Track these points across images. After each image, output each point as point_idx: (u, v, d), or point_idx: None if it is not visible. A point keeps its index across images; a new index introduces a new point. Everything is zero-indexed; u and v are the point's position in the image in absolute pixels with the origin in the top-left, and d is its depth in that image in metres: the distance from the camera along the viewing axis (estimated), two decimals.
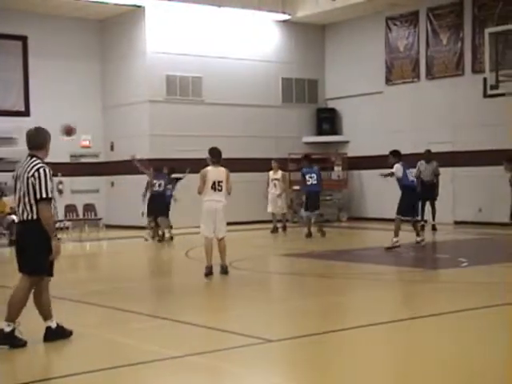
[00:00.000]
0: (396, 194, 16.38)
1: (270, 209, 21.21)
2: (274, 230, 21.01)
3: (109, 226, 22.81)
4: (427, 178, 20.31)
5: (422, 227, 20.19)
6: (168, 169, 19.87)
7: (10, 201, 20.42)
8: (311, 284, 12.22)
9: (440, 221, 20.91)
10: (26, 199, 7.68)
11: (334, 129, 26.59)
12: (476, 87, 20.76)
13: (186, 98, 24.01)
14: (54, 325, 7.87)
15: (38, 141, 7.94)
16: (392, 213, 16.39)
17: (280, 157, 24.20)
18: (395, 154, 16.36)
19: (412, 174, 16.69)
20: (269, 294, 11.82)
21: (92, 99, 24.75)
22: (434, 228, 20.52)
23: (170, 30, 23.62)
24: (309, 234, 19.44)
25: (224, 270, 12.50)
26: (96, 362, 7.28)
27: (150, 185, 19.54)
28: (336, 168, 25.58)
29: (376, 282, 12.12)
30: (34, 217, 7.67)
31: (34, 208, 7.66)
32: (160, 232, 19.37)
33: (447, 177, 21.79)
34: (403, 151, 21.00)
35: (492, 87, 19.03)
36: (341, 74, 26.38)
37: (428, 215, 20.57)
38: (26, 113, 23.47)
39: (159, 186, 19.34)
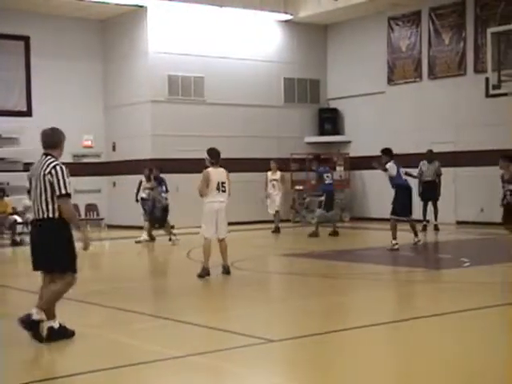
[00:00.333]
0: None
1: (270, 210, 21.21)
2: (276, 230, 20.95)
3: (110, 226, 22.81)
4: (429, 178, 20.32)
5: (425, 227, 20.26)
6: (149, 170, 19.70)
7: (12, 201, 20.47)
8: (313, 284, 12.21)
9: (442, 221, 20.90)
10: (43, 197, 7.72)
11: (336, 129, 26.58)
12: (478, 87, 20.76)
13: (187, 98, 24.00)
14: (56, 325, 7.88)
15: (53, 140, 8.06)
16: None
17: (282, 157, 24.21)
18: (387, 152, 16.21)
19: (403, 172, 16.48)
20: (270, 294, 11.82)
21: (94, 99, 24.75)
22: (436, 228, 20.51)
23: (172, 29, 23.61)
24: (315, 234, 19.36)
25: (226, 271, 12.50)
26: (98, 361, 7.28)
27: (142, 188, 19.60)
28: (338, 168, 25.56)
29: (378, 282, 12.11)
30: (51, 215, 7.71)
31: (51, 206, 7.70)
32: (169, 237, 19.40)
33: (449, 177, 21.77)
34: (405, 151, 21.12)
35: (494, 87, 19.04)
36: (343, 73, 26.37)
37: (430, 215, 20.58)
38: (28, 113, 23.49)
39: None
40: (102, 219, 22.60)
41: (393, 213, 15.95)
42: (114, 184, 24.63)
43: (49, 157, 7.90)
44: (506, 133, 21.06)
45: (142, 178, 19.69)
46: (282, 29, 25.92)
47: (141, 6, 23.06)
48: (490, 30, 19.45)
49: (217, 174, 12.35)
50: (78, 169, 23.91)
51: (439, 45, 23.38)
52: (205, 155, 12.46)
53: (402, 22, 24.46)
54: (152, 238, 19.40)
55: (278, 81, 25.99)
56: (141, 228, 19.87)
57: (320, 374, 6.66)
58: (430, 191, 20.37)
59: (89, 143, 24.51)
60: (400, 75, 24.61)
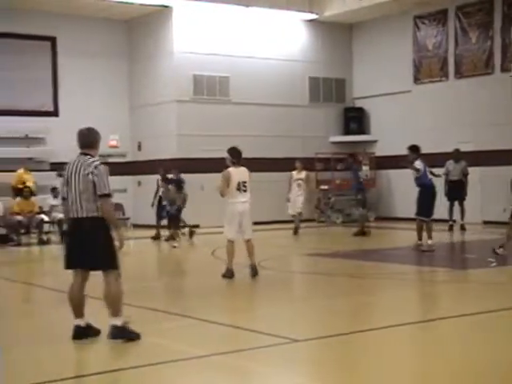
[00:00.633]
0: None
1: (290, 211, 20.67)
2: (296, 232, 20.42)
3: (136, 226, 22.90)
4: (455, 178, 20.19)
5: (451, 227, 20.13)
6: (163, 170, 20.03)
7: (38, 200, 20.60)
8: (338, 284, 12.16)
9: (469, 220, 20.75)
10: (85, 196, 7.75)
11: (362, 128, 26.48)
12: (505, 86, 20.61)
13: (213, 97, 24.03)
14: (83, 323, 7.92)
15: (90, 140, 8.11)
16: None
17: (307, 156, 24.15)
18: (414, 149, 15.72)
19: (428, 171, 16.09)
20: (295, 293, 11.80)
21: (120, 99, 24.86)
22: (462, 228, 20.36)
23: (198, 29, 23.65)
24: (360, 233, 19.28)
25: (254, 272, 12.25)
26: (124, 360, 7.32)
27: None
28: (364, 167, 25.44)
29: (404, 281, 12.05)
30: (95, 214, 7.75)
31: (93, 205, 7.74)
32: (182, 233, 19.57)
33: (475, 176, 21.58)
34: (431, 150, 20.95)
35: None
36: (368, 72, 26.27)
37: (457, 215, 20.44)
38: (54, 113, 23.64)
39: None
40: (127, 219, 22.69)
41: (421, 213, 15.51)
42: (140, 183, 24.71)
43: (88, 156, 7.93)
44: None
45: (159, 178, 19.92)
46: (307, 28, 25.87)
47: (166, 6, 23.13)
48: None
49: (238, 173, 12.16)
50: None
51: (466, 43, 23.21)
52: (225, 155, 12.32)
53: (428, 21, 24.31)
54: (158, 237, 19.53)
55: (303, 80, 25.95)
56: (165, 227, 19.92)
57: (344, 374, 6.63)
58: (457, 191, 20.23)
59: (114, 143, 24.60)
60: (426, 74, 24.47)
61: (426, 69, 24.45)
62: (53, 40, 23.63)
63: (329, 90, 26.57)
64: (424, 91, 24.42)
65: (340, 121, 26.72)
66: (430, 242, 15.50)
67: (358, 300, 10.49)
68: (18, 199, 19.82)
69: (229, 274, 12.21)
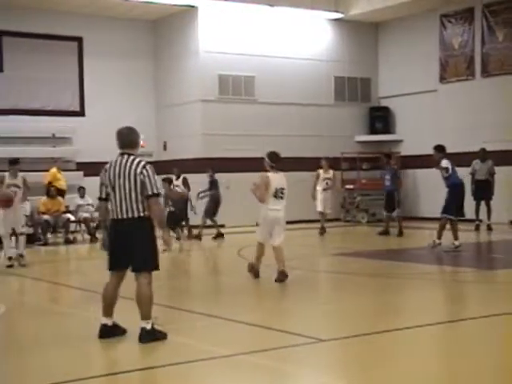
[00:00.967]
0: None
1: (320, 208, 20.36)
2: (323, 231, 20.24)
3: None
4: (482, 177, 20.07)
5: (477, 227, 20.01)
6: (177, 170, 20.08)
7: (65, 200, 20.73)
8: (363, 283, 12.13)
9: (495, 220, 20.60)
10: (133, 196, 7.74)
11: (387, 128, 26.39)
12: None
13: (238, 97, 24.06)
14: (110, 323, 7.97)
15: (130, 139, 8.13)
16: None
17: (332, 156, 24.08)
18: (440, 149, 15.51)
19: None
20: (320, 292, 11.79)
21: (145, 99, 24.96)
22: (489, 228, 20.22)
23: (223, 29, 23.70)
24: (385, 232, 19.26)
25: (281, 277, 11.70)
26: (149, 360, 7.36)
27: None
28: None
29: (429, 281, 12.00)
30: (142, 214, 7.75)
31: (141, 205, 7.75)
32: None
33: (502, 176, 21.40)
34: (457, 150, 20.82)
35: None
36: (394, 72, 26.16)
37: (483, 215, 20.31)
38: (81, 113, 23.80)
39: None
40: None
41: (447, 211, 15.25)
42: None
43: (132, 156, 7.92)
44: None
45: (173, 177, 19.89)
46: (333, 27, 25.81)
47: (192, 6, 23.19)
48: None
49: (277, 179, 11.75)
50: None
51: (492, 42, 23.05)
52: (265, 158, 11.83)
53: (454, 20, 24.17)
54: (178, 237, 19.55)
55: (329, 80, 25.90)
56: (194, 227, 19.93)
57: (369, 373, 6.62)
58: (483, 190, 20.10)
59: (141, 143, 24.64)
60: (452, 73, 24.32)
61: (452, 68, 24.31)
62: (79, 40, 23.79)
63: (354, 89, 26.51)
64: (450, 90, 24.27)
65: (365, 120, 26.64)
66: (456, 242, 15.28)
67: (384, 300, 10.46)
68: (45, 198, 19.96)
69: (253, 271, 12.11)
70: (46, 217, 19.50)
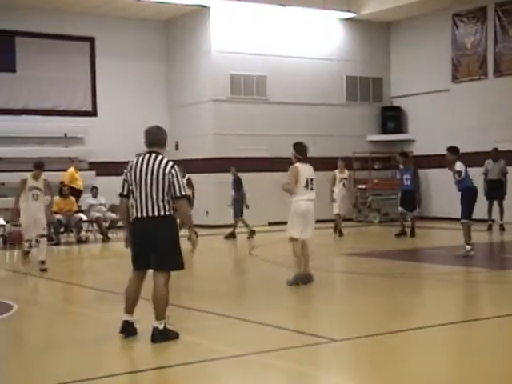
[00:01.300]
0: None
1: (337, 210, 19.89)
2: (340, 233, 19.86)
3: None
4: (494, 177, 20.00)
5: (490, 227, 19.94)
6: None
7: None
8: (376, 283, 12.10)
9: (508, 220, 20.52)
10: (160, 195, 7.72)
11: (399, 127, 26.34)
12: None
13: (250, 97, 24.07)
14: (131, 320, 7.97)
15: (159, 138, 8.13)
16: (459, 213, 15.10)
17: (344, 156, 24.04)
18: (454, 151, 15.02)
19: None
20: (333, 292, 11.76)
21: (157, 99, 25.00)
22: (501, 228, 20.15)
23: (235, 29, 23.71)
24: (401, 233, 18.96)
25: (308, 279, 11.49)
26: (161, 359, 7.37)
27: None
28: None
29: (441, 282, 11.96)
30: (167, 213, 7.75)
31: (167, 204, 7.74)
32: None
33: None
34: (470, 150, 20.75)
35: None
36: (406, 71, 26.11)
37: (496, 215, 20.23)
38: (93, 113, 23.87)
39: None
40: None
41: (466, 217, 14.72)
42: None
43: (161, 155, 7.93)
44: None
45: None
46: (344, 27, 25.78)
47: (204, 6, 23.21)
48: None
49: (306, 169, 11.53)
50: None
51: (505, 41, 22.96)
52: (291, 150, 11.68)
53: (466, 19, 24.09)
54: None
55: (341, 79, 25.87)
56: (207, 227, 19.93)
57: (381, 373, 6.61)
58: (496, 190, 20.03)
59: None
60: (465, 73, 24.25)
61: (465, 67, 24.23)
62: (91, 40, 23.86)
63: (366, 88, 26.47)
64: (462, 90, 24.20)
65: (377, 120, 26.60)
66: (468, 247, 14.75)
67: (396, 300, 10.43)
68: (57, 198, 19.99)
69: (301, 280, 11.41)
70: (58, 216, 19.54)
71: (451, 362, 7.13)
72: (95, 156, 23.13)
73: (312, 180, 11.51)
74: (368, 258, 15.24)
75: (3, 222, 19.40)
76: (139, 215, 7.79)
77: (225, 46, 23.54)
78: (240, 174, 20.20)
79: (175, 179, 7.76)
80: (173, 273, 7.93)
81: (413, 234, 19.03)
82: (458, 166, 14.74)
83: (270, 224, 22.24)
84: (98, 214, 20.46)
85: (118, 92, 24.01)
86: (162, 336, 7.73)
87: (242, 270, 14.86)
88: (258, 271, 12.40)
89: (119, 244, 19.26)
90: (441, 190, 23.84)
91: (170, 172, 7.77)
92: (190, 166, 22.55)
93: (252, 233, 19.63)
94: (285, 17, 24.40)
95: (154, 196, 7.72)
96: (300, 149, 11.71)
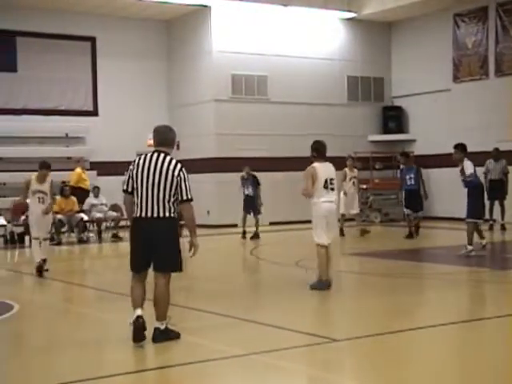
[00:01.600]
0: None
1: (344, 209, 19.52)
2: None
3: None
4: (496, 177, 20.00)
5: (491, 227, 19.92)
6: None
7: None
8: (377, 283, 12.10)
9: (509, 220, 20.52)
10: (167, 195, 7.64)
11: (401, 127, 26.33)
12: None
13: (251, 96, 24.06)
14: (142, 313, 7.91)
15: (168, 138, 7.97)
16: (462, 212, 15.07)
17: (345, 155, 24.00)
18: (462, 148, 14.66)
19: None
20: (335, 293, 11.73)
21: (158, 98, 25.01)
22: (503, 227, 20.14)
23: (236, 29, 23.71)
24: (410, 235, 18.55)
25: (328, 286, 11.04)
26: (162, 359, 7.37)
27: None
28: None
29: (443, 281, 11.95)
30: (172, 214, 7.68)
31: (173, 205, 7.67)
32: None
33: None
34: (471, 149, 20.68)
35: None
36: (407, 71, 26.10)
37: (497, 214, 20.23)
38: (94, 112, 23.87)
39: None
40: None
41: (472, 216, 14.49)
42: None
43: (169, 156, 7.79)
44: None
45: None
46: (346, 27, 25.78)
47: (205, 6, 23.21)
48: None
49: (324, 169, 10.92)
50: None
51: (506, 41, 22.94)
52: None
53: (468, 19, 24.08)
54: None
55: (342, 79, 25.87)
56: (206, 226, 19.92)
57: (382, 373, 6.61)
58: (497, 190, 20.02)
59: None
60: (466, 72, 24.23)
61: (466, 67, 24.22)
62: (93, 40, 23.86)
63: (367, 88, 26.46)
64: (464, 90, 24.19)
65: (378, 120, 26.59)
66: (469, 247, 14.57)
67: (397, 300, 10.42)
68: (59, 198, 19.96)
69: (324, 288, 10.87)
70: (59, 216, 19.52)
71: (452, 362, 7.12)
72: (96, 156, 23.12)
73: (332, 180, 10.89)
74: (370, 258, 15.24)
75: (4, 222, 19.39)
76: (142, 215, 7.69)
77: (226, 45, 23.53)
78: (241, 174, 20.16)
79: (183, 182, 7.67)
80: (173, 273, 7.91)
81: (417, 233, 18.96)
82: (469, 166, 14.41)
83: (271, 224, 22.22)
84: (98, 215, 20.44)
85: (119, 92, 24.02)
86: (163, 336, 7.72)
87: (243, 269, 14.85)
88: (259, 271, 12.39)
89: (119, 244, 19.28)
90: (442, 190, 23.85)
91: (178, 174, 7.66)
92: (191, 165, 22.49)
93: (256, 235, 19.52)
94: (286, 17, 24.39)
95: (161, 196, 7.63)
96: (317, 147, 11.19)
